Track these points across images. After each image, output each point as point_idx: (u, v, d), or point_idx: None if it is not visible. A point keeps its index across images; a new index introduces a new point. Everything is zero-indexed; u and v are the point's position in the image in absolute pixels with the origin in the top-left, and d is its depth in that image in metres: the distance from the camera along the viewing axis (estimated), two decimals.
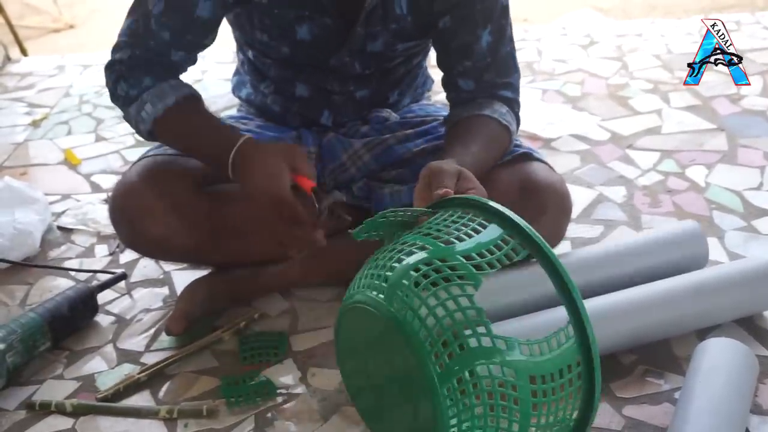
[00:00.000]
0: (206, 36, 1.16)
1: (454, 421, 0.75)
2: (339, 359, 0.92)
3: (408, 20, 1.16)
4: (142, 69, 1.14)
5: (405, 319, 0.76)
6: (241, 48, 1.33)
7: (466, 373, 0.75)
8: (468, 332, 0.75)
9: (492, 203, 0.83)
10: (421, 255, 0.79)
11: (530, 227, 0.80)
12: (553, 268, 0.78)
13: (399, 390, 0.82)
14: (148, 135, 1.17)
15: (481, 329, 0.76)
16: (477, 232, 0.81)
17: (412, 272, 0.78)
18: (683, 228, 1.25)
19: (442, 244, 0.79)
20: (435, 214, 0.87)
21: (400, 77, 1.33)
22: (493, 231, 0.81)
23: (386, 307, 0.77)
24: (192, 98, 1.16)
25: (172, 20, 1.11)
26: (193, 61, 1.19)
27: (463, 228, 0.82)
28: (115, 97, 1.17)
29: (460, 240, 0.80)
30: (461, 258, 0.77)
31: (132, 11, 1.15)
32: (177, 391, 1.12)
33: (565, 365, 0.78)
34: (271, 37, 1.19)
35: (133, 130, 1.20)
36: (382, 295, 0.78)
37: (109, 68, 1.17)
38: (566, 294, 0.79)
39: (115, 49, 1.17)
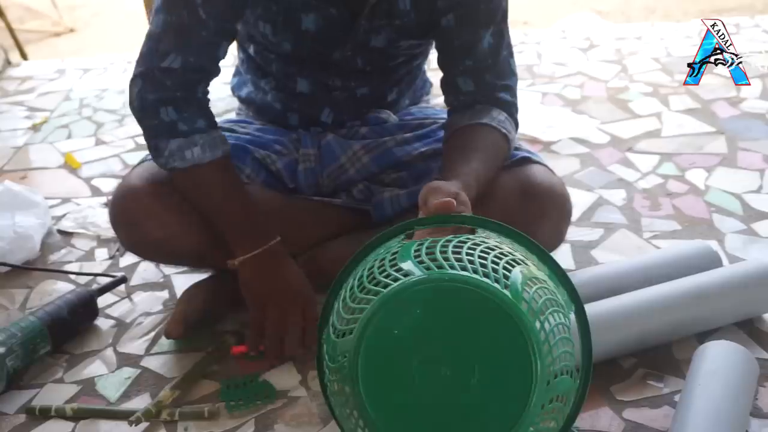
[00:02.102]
0: (238, 23, 1.15)
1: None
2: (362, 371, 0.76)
3: (411, 16, 1.16)
4: (196, 110, 1.13)
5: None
6: (241, 45, 1.33)
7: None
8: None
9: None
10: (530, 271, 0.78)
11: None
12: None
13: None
14: (171, 171, 1.14)
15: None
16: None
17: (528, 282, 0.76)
18: (700, 252, 1.24)
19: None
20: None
21: (401, 77, 1.33)
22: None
23: (515, 304, 0.73)
24: (229, 160, 1.17)
25: (217, 7, 1.09)
26: (227, 51, 1.17)
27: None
28: (151, 115, 1.13)
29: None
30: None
31: (163, 8, 1.10)
32: (178, 394, 1.12)
33: None
34: (274, 29, 1.18)
35: (144, 143, 1.17)
36: (506, 292, 0.74)
37: (150, 77, 1.11)
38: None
39: (156, 54, 1.10)
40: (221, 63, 1.16)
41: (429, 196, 0.92)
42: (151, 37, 1.12)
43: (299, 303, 1.12)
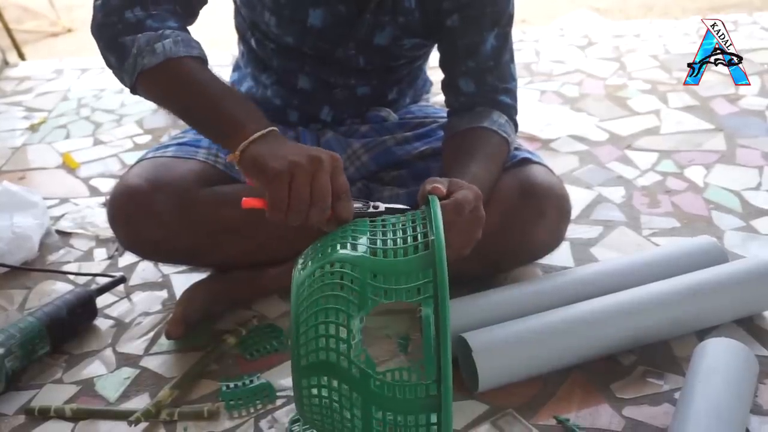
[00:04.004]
0: None
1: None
2: None
3: (416, 15, 1.16)
4: (168, 8, 1.03)
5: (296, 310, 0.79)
6: (243, 36, 1.32)
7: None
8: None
9: (433, 209, 0.80)
10: (342, 253, 0.79)
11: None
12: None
13: None
14: (142, 74, 1.00)
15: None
16: (406, 252, 0.77)
17: (327, 267, 0.78)
18: (705, 248, 1.24)
19: (368, 252, 0.78)
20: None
21: (401, 76, 1.33)
22: (418, 260, 0.76)
23: (295, 289, 0.81)
24: (206, 64, 1.05)
25: None
26: (205, 3, 1.11)
27: (402, 235, 0.80)
28: (115, 18, 1.01)
29: (386, 254, 0.77)
30: (367, 275, 0.76)
31: None
32: (177, 394, 1.12)
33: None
34: (279, 21, 1.18)
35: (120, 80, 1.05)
36: (301, 273, 0.81)
37: None
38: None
39: None
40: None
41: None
42: None
43: (327, 168, 0.88)
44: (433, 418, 0.75)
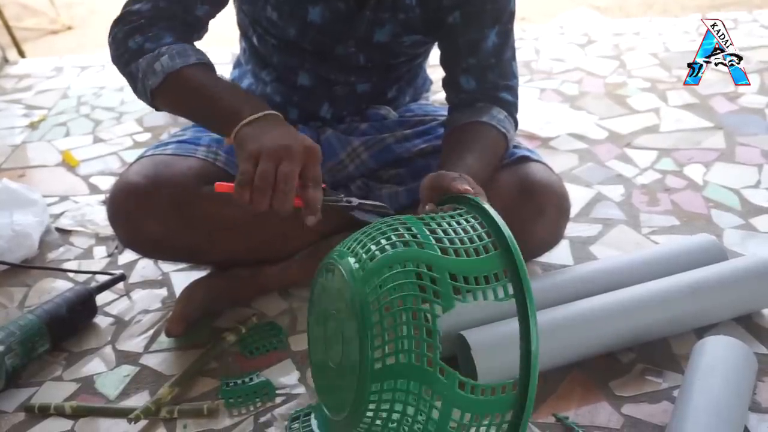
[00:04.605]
0: None
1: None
2: (309, 314, 0.88)
3: (416, 12, 1.16)
4: (165, 25, 1.08)
5: (365, 311, 0.74)
6: (244, 32, 1.32)
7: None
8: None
9: (492, 212, 0.81)
10: (411, 252, 0.76)
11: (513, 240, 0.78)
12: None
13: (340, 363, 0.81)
14: (151, 94, 1.06)
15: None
16: (477, 251, 0.78)
17: (398, 265, 0.75)
18: (704, 246, 1.24)
19: (438, 249, 0.77)
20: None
21: (401, 74, 1.33)
22: (493, 261, 0.77)
23: (360, 287, 0.76)
24: (211, 67, 1.09)
25: None
26: (211, 17, 1.14)
27: (464, 234, 0.79)
28: (122, 50, 1.08)
29: (457, 253, 0.77)
30: (446, 275, 0.75)
31: None
32: (177, 391, 1.12)
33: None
34: (281, 16, 1.18)
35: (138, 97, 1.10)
36: (362, 271, 0.76)
37: (122, 20, 1.09)
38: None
39: (132, 1, 1.10)
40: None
41: (438, 181, 0.91)
42: None
43: (299, 157, 0.91)
44: (508, 416, 0.75)
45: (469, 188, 0.88)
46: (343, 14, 1.16)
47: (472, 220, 0.82)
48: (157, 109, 1.11)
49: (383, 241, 0.78)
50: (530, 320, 0.75)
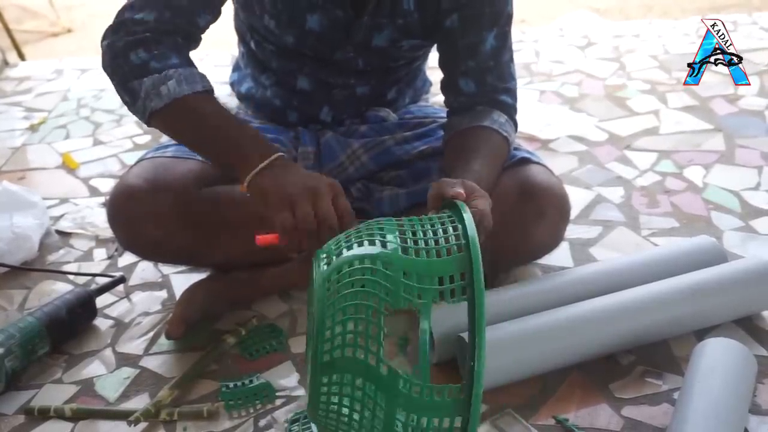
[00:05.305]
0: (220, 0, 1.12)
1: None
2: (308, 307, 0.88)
3: (414, 16, 1.16)
4: (170, 43, 1.07)
5: (321, 305, 0.75)
6: (242, 38, 1.33)
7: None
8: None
9: (465, 214, 0.80)
10: (370, 250, 0.77)
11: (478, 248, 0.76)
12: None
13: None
14: (152, 115, 1.06)
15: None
16: (439, 253, 0.77)
17: (357, 262, 0.76)
18: (704, 248, 1.24)
19: (400, 249, 0.77)
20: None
21: (400, 76, 1.33)
22: (452, 263, 0.76)
23: (320, 282, 0.77)
24: (214, 97, 1.09)
25: None
26: (209, 26, 1.13)
27: (436, 236, 0.79)
28: (121, 60, 1.06)
29: (418, 254, 0.77)
30: (400, 273, 0.75)
31: None
32: (177, 394, 1.12)
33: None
34: (278, 25, 1.18)
35: (133, 116, 1.10)
36: (326, 267, 0.78)
37: (122, 28, 1.07)
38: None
39: (131, 8, 1.07)
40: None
41: (440, 189, 0.90)
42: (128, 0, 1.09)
43: (326, 194, 0.94)
44: (456, 422, 0.75)
45: (460, 191, 0.87)
46: (341, 21, 1.16)
47: (455, 224, 0.81)
48: (148, 125, 1.10)
49: (353, 240, 0.79)
50: (478, 320, 0.73)
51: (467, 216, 0.80)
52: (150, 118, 1.06)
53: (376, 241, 0.78)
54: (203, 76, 1.08)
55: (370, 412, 0.75)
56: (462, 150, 1.12)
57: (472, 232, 0.77)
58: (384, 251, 0.77)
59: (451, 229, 0.80)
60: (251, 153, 1.00)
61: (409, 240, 0.78)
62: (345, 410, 0.76)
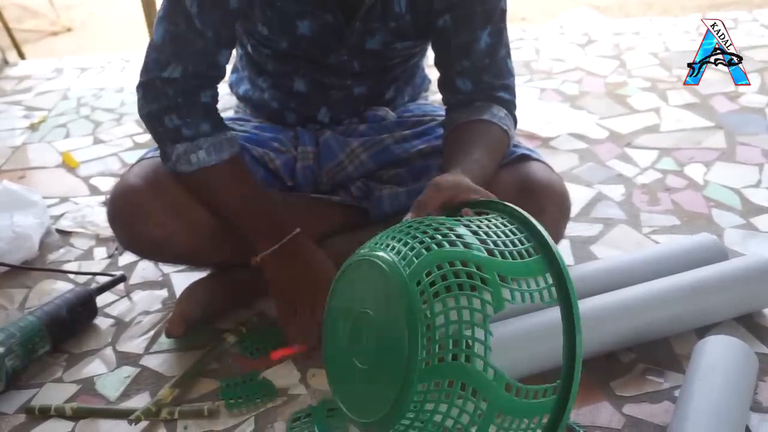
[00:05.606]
0: (235, 30, 1.16)
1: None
2: (328, 310, 0.86)
3: (407, 19, 1.16)
4: (200, 108, 1.14)
5: (414, 309, 0.72)
6: (240, 41, 1.33)
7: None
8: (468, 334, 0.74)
9: (531, 218, 0.81)
10: (460, 252, 0.75)
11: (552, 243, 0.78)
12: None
13: (374, 361, 0.78)
14: (180, 175, 1.15)
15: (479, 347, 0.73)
16: (520, 254, 0.78)
17: (446, 264, 0.74)
18: (704, 245, 1.24)
19: (484, 251, 0.76)
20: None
21: (397, 75, 1.33)
22: (537, 264, 0.77)
23: (407, 285, 0.74)
24: (241, 159, 1.18)
25: (212, 16, 1.10)
26: (229, 57, 1.18)
27: (504, 238, 0.79)
28: (156, 123, 1.14)
29: (503, 255, 0.77)
30: (496, 277, 0.74)
31: (163, 19, 1.12)
32: (177, 392, 1.12)
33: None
34: (271, 31, 1.18)
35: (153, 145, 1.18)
36: (408, 268, 0.74)
37: (151, 87, 1.13)
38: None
39: (157, 65, 1.12)
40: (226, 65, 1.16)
41: (441, 188, 0.91)
42: (152, 47, 1.14)
43: (324, 289, 0.96)
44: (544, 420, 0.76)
45: (489, 193, 0.89)
46: (331, 26, 1.16)
47: (508, 225, 0.81)
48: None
49: (428, 240, 0.76)
50: (575, 322, 0.77)
51: (532, 218, 0.80)
52: (178, 176, 1.15)
53: (458, 242, 0.76)
54: (231, 141, 1.16)
55: (469, 416, 0.73)
56: (462, 141, 1.12)
57: (545, 233, 0.79)
58: (471, 252, 0.75)
59: (516, 230, 0.80)
60: (266, 231, 1.14)
61: (489, 242, 0.77)
62: (438, 417, 0.73)
